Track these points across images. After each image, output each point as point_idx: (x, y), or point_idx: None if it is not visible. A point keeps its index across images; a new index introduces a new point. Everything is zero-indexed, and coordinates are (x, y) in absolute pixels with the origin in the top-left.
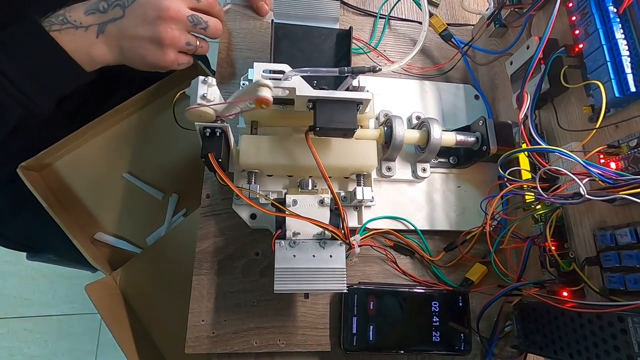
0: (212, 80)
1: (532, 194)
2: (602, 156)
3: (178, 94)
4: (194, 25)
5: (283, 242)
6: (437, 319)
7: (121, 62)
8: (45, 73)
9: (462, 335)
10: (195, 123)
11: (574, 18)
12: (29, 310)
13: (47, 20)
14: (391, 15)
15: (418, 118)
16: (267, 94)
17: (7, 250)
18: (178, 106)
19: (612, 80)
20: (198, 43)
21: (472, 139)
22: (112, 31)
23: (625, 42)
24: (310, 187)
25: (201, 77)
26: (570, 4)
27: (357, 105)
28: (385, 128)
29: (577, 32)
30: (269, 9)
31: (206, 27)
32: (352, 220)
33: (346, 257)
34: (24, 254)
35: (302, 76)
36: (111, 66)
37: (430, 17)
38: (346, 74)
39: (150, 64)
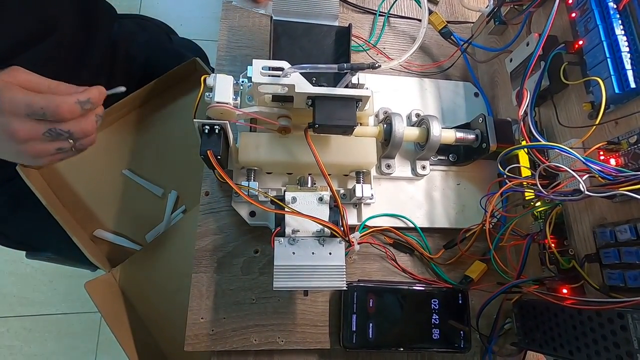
0: (244, 82)
1: (532, 191)
2: (601, 153)
3: (203, 85)
4: (54, 139)
5: (282, 239)
6: (437, 317)
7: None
8: None
9: (461, 332)
10: (194, 120)
11: (573, 14)
12: (28, 309)
13: None
14: (391, 12)
15: (417, 115)
16: (288, 124)
17: (7, 249)
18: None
19: (612, 77)
20: (72, 142)
21: (471, 136)
22: None
23: (625, 38)
24: (309, 185)
25: (231, 77)
26: (570, 1)
27: (357, 102)
28: (385, 125)
29: (577, 28)
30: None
31: (71, 136)
32: (351, 218)
33: (346, 255)
34: (23, 252)
35: (301, 73)
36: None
37: (429, 14)
38: (345, 71)
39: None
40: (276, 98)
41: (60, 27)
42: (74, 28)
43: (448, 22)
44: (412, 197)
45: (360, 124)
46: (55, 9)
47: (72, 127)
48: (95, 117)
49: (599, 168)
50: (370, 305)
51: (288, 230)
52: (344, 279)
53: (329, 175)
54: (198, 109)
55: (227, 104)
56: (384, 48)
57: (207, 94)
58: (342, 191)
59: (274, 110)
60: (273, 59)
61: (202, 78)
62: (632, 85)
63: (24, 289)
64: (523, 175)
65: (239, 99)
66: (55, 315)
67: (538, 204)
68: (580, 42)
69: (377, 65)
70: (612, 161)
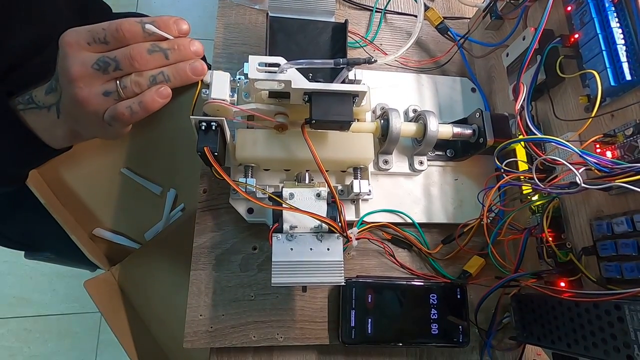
0: (240, 79)
1: (529, 184)
2: (598, 145)
3: (200, 82)
4: (103, 71)
5: (280, 235)
6: (436, 312)
7: (85, 139)
8: (13, 150)
9: (460, 327)
10: (191, 117)
11: (569, 8)
12: (28, 310)
13: (14, 100)
14: (387, 8)
15: (415, 111)
16: (285, 121)
17: (5, 250)
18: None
19: (608, 69)
20: (120, 84)
21: (468, 131)
22: (64, 109)
23: (620, 30)
24: (307, 181)
25: (228, 74)
26: None
27: (353, 97)
28: (382, 121)
29: (572, 22)
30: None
31: (117, 65)
32: (349, 214)
33: (344, 251)
34: (22, 252)
35: (297, 69)
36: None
37: (426, 10)
38: (341, 65)
39: (100, 132)
40: (273, 94)
41: (60, 31)
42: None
43: (444, 17)
44: (410, 193)
45: (357, 120)
46: (54, 16)
47: (119, 54)
48: (156, 74)
49: (595, 160)
50: (369, 300)
51: (286, 227)
52: (343, 274)
53: (326, 171)
54: (195, 106)
55: (223, 100)
56: (381, 44)
57: (204, 90)
58: (339, 187)
59: (271, 107)
60: (269, 56)
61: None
62: (628, 77)
63: (24, 290)
64: (520, 169)
65: (235, 95)
66: (55, 315)
67: (535, 197)
68: (576, 36)
69: (373, 59)
70: (609, 153)
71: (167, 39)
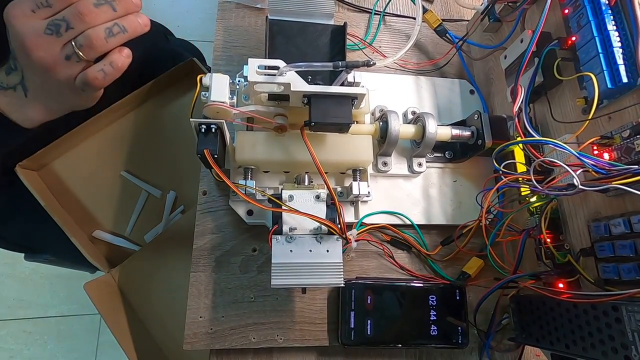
0: (240, 81)
1: (527, 186)
2: (595, 147)
3: (199, 85)
4: (57, 35)
5: (280, 237)
6: (435, 313)
7: (60, 113)
8: None
9: (459, 328)
10: (191, 119)
11: (566, 11)
12: (27, 312)
13: None
14: (386, 11)
15: (413, 113)
16: (285, 122)
17: (5, 252)
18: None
19: (605, 72)
20: (76, 44)
21: (467, 133)
22: (30, 86)
23: (617, 33)
24: (306, 183)
25: (227, 77)
26: None
27: (352, 100)
28: (381, 123)
29: (570, 24)
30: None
31: (68, 24)
32: (348, 216)
33: (343, 252)
34: (22, 255)
35: (296, 71)
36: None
37: (424, 12)
38: (340, 69)
39: (73, 100)
40: (272, 97)
41: None
42: None
43: (443, 20)
44: (409, 195)
45: (357, 122)
46: None
47: (67, 13)
48: (110, 26)
49: (593, 162)
50: (368, 302)
51: (285, 228)
52: (342, 276)
53: (325, 173)
54: (195, 108)
55: (223, 103)
56: (380, 47)
57: (203, 93)
58: (339, 189)
59: (270, 109)
60: (269, 58)
61: (198, 77)
62: (625, 80)
63: (23, 292)
64: (518, 170)
65: (235, 98)
66: (55, 317)
67: (533, 199)
68: (573, 38)
69: (372, 62)
70: (606, 155)
71: None
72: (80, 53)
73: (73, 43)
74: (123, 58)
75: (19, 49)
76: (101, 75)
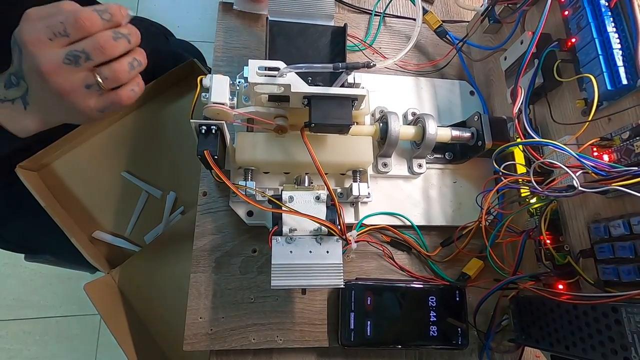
0: (240, 82)
1: (527, 187)
2: (595, 149)
3: (199, 86)
4: (75, 64)
5: (280, 238)
6: (435, 314)
7: (56, 124)
8: None
9: (459, 329)
10: (191, 120)
11: (566, 12)
12: (27, 312)
13: None
14: (386, 12)
15: (413, 114)
16: (285, 123)
17: (5, 252)
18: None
19: (604, 73)
20: (100, 76)
21: (467, 134)
22: (32, 102)
23: (616, 35)
24: (306, 184)
25: (227, 78)
26: None
27: (352, 101)
28: (381, 124)
29: (569, 26)
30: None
31: (88, 56)
32: (348, 217)
33: (343, 253)
34: (22, 255)
35: (297, 73)
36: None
37: (425, 14)
38: (340, 70)
39: (79, 119)
40: (272, 98)
41: None
42: None
43: (443, 21)
44: (409, 196)
45: (357, 123)
46: None
47: (86, 45)
48: (131, 61)
49: (592, 164)
50: (368, 303)
51: (285, 229)
52: (342, 277)
53: (325, 174)
54: (195, 109)
55: (223, 104)
56: (380, 48)
57: (203, 94)
58: (339, 190)
59: (270, 110)
60: (269, 59)
61: (199, 79)
62: (624, 81)
63: (23, 292)
64: (518, 172)
65: (235, 99)
66: (55, 317)
67: (533, 200)
68: (573, 40)
69: (372, 64)
70: (605, 157)
71: (120, 25)
72: (103, 84)
73: (98, 76)
74: (141, 84)
75: (33, 72)
76: (133, 95)
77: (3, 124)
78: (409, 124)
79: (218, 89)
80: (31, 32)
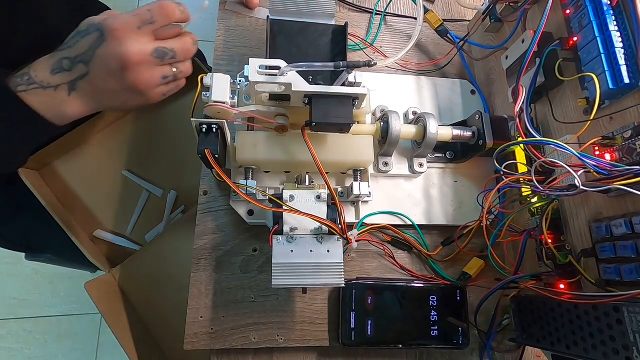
0: (241, 81)
1: (529, 187)
2: (597, 148)
3: (200, 85)
4: (161, 60)
5: (280, 237)
6: (435, 314)
7: (102, 109)
8: (15, 135)
9: (460, 329)
10: (192, 119)
11: (568, 11)
12: (28, 311)
13: (13, 81)
14: (387, 11)
15: (414, 113)
16: (286, 122)
17: (6, 251)
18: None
19: (606, 72)
20: (175, 70)
21: (468, 133)
22: (84, 87)
23: (618, 34)
24: (307, 183)
25: (228, 77)
26: None
27: (353, 100)
28: (382, 123)
29: (571, 25)
30: (258, 3)
31: (174, 55)
32: (349, 216)
33: (344, 252)
34: (23, 254)
35: (298, 72)
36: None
37: (425, 12)
38: (341, 69)
39: (136, 107)
40: (273, 97)
41: (62, 36)
42: None
43: (444, 20)
44: (410, 195)
45: (357, 122)
46: (56, 20)
47: (175, 45)
48: (192, 41)
49: (594, 163)
50: (369, 302)
51: (286, 229)
52: (343, 276)
53: (326, 173)
54: (195, 108)
55: (224, 103)
56: (381, 47)
57: (204, 93)
58: (340, 189)
59: (271, 109)
60: (270, 58)
61: (200, 77)
62: (626, 80)
63: (24, 291)
64: (520, 171)
65: (236, 98)
66: (56, 317)
67: (534, 199)
68: (575, 39)
69: (373, 62)
70: (607, 156)
71: (189, 19)
72: (178, 76)
73: (174, 69)
74: None
75: (117, 60)
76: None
77: (41, 111)
78: (410, 123)
79: (219, 87)
80: (119, 21)
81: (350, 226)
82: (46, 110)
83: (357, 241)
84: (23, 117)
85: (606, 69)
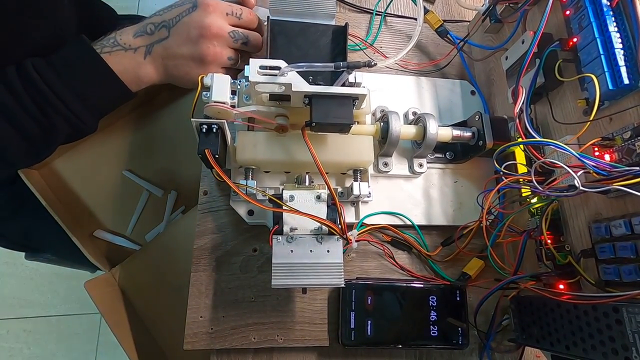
0: (241, 81)
1: (528, 187)
2: (596, 148)
3: (200, 85)
4: (235, 41)
5: (280, 237)
6: (435, 314)
7: (167, 81)
8: (96, 94)
9: (459, 329)
10: (192, 119)
11: (568, 12)
12: (28, 311)
13: (99, 44)
14: (387, 11)
15: (414, 114)
16: (286, 122)
17: (6, 251)
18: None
19: (606, 73)
20: (241, 58)
21: (468, 133)
22: (158, 51)
23: (618, 35)
24: (307, 183)
25: (228, 77)
26: None
27: (353, 100)
28: (382, 124)
29: (571, 25)
30: (255, 3)
31: (247, 42)
32: (349, 216)
33: (344, 253)
34: (23, 254)
35: (298, 72)
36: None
37: (426, 13)
38: (341, 69)
39: (194, 81)
40: (273, 97)
41: (67, 34)
42: (78, 33)
43: (444, 20)
44: (410, 195)
45: (357, 122)
46: (63, 17)
47: (251, 35)
48: (262, 39)
49: (594, 164)
50: (369, 302)
51: (286, 229)
52: (342, 276)
53: (326, 173)
54: (196, 108)
55: (224, 103)
56: (381, 47)
57: (204, 93)
58: (339, 189)
59: (271, 109)
60: (270, 58)
61: (200, 77)
62: (626, 81)
63: (24, 291)
64: (519, 172)
65: (236, 98)
66: (55, 316)
67: (534, 200)
68: (575, 40)
69: (373, 63)
70: (607, 157)
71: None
72: (239, 62)
73: (240, 56)
74: None
75: (198, 28)
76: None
77: (120, 73)
78: (409, 124)
79: (219, 87)
80: (216, 3)
81: (350, 226)
82: (123, 72)
83: (356, 241)
84: (104, 77)
85: (606, 69)
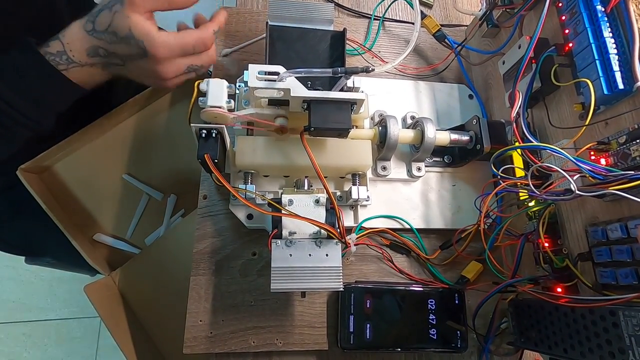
0: (240, 87)
1: (525, 191)
2: (592, 153)
3: (196, 91)
4: (190, 73)
5: (279, 241)
6: (434, 317)
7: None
8: (49, 97)
9: (458, 332)
10: (192, 124)
11: (563, 17)
12: (27, 315)
13: (52, 58)
14: (385, 16)
15: (412, 118)
16: (285, 123)
17: (6, 255)
18: (187, 103)
19: (601, 78)
20: (196, 69)
21: (466, 137)
22: (116, 69)
23: (613, 40)
24: (306, 187)
25: (224, 81)
26: (560, 4)
27: (352, 105)
28: (380, 128)
29: (566, 31)
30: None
31: (203, 66)
32: (348, 220)
33: (342, 256)
34: (23, 258)
35: (296, 77)
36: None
37: (423, 18)
38: (340, 75)
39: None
40: (272, 102)
41: (56, 17)
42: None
43: (442, 25)
44: (408, 199)
45: (356, 127)
46: (63, 5)
47: (204, 61)
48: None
49: (590, 168)
50: (368, 306)
51: (285, 233)
52: (341, 280)
53: (325, 177)
54: (193, 114)
55: (220, 107)
56: (379, 52)
57: (200, 99)
58: (338, 193)
59: (269, 112)
60: (269, 64)
61: (196, 83)
62: (621, 86)
63: (23, 295)
64: (517, 175)
65: (233, 102)
66: (55, 320)
67: (532, 203)
68: (570, 45)
69: (371, 68)
70: (602, 161)
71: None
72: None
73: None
74: None
75: (154, 74)
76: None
77: (77, 80)
78: (408, 128)
79: (215, 92)
80: (166, 51)
81: (349, 230)
82: (80, 80)
83: (355, 245)
84: (57, 83)
85: (601, 74)
